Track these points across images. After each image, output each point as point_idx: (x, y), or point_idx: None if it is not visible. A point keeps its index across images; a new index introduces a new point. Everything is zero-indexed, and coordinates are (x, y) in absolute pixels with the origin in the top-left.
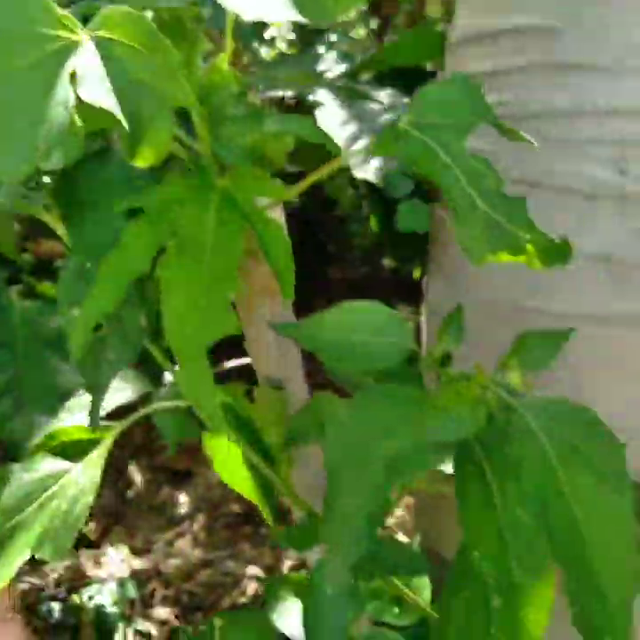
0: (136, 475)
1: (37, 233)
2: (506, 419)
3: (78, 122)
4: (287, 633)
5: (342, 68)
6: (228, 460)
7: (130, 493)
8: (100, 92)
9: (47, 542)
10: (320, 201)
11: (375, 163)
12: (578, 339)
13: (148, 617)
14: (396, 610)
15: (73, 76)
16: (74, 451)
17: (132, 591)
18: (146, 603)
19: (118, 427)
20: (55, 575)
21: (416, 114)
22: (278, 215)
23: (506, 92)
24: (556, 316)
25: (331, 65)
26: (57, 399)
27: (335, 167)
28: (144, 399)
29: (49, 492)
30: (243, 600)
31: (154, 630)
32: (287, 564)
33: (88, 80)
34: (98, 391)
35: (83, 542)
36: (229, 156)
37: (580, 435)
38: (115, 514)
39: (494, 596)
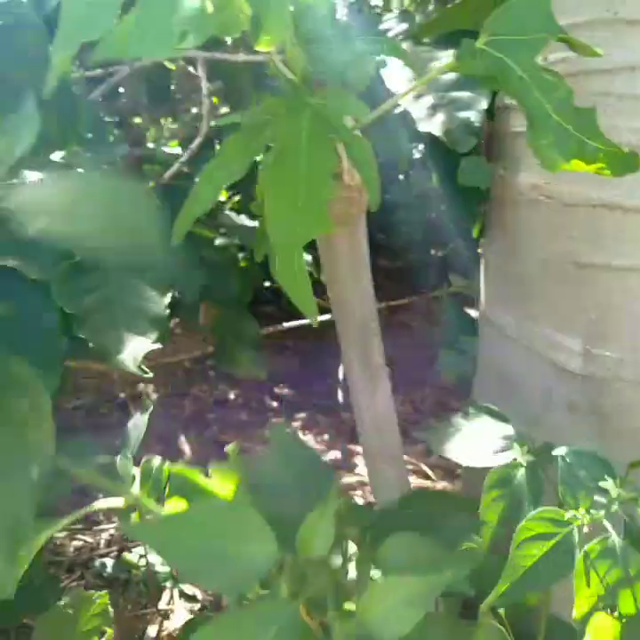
0: (185, 446)
1: None
2: None
3: (210, 7)
4: None
5: (403, 27)
6: None
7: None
8: None
9: None
10: None
11: (440, 117)
12: None
13: None
14: None
15: None
16: None
17: None
18: None
19: None
20: (107, 535)
21: (490, 33)
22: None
23: None
24: (617, 270)
25: (392, 25)
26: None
27: (393, 104)
28: None
29: None
30: None
31: (199, 594)
32: None
33: None
34: None
35: None
36: (322, 74)
37: None
38: None
39: None
